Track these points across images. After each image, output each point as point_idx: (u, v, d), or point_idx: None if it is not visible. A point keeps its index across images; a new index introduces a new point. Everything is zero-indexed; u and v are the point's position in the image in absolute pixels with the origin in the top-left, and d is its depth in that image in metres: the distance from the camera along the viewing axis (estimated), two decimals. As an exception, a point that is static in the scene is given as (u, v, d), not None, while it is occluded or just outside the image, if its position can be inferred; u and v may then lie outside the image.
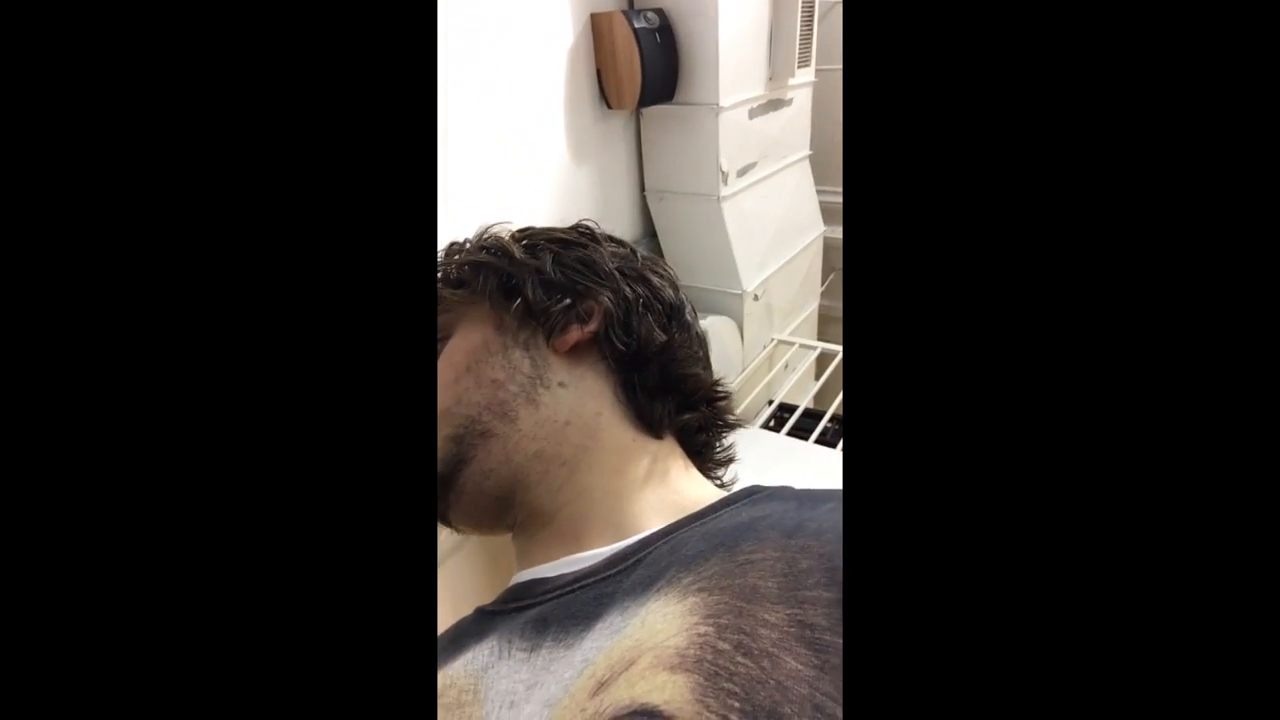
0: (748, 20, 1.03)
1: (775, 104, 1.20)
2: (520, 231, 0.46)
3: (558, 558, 0.36)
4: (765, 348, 1.35)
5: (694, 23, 0.96)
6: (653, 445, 0.40)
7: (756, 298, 1.26)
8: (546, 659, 0.28)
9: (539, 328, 0.41)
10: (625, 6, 0.98)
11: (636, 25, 0.91)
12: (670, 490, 0.39)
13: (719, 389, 0.45)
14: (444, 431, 0.39)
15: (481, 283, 0.42)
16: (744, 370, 1.30)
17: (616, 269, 0.43)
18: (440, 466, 0.39)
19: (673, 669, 0.22)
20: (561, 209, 1.01)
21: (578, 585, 0.32)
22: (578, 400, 0.39)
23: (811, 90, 1.34)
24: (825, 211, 1.52)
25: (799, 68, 1.15)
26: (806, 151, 1.40)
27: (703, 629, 0.23)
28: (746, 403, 1.26)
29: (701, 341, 0.46)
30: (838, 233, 1.62)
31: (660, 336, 0.41)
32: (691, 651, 0.22)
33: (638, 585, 0.29)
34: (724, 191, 1.09)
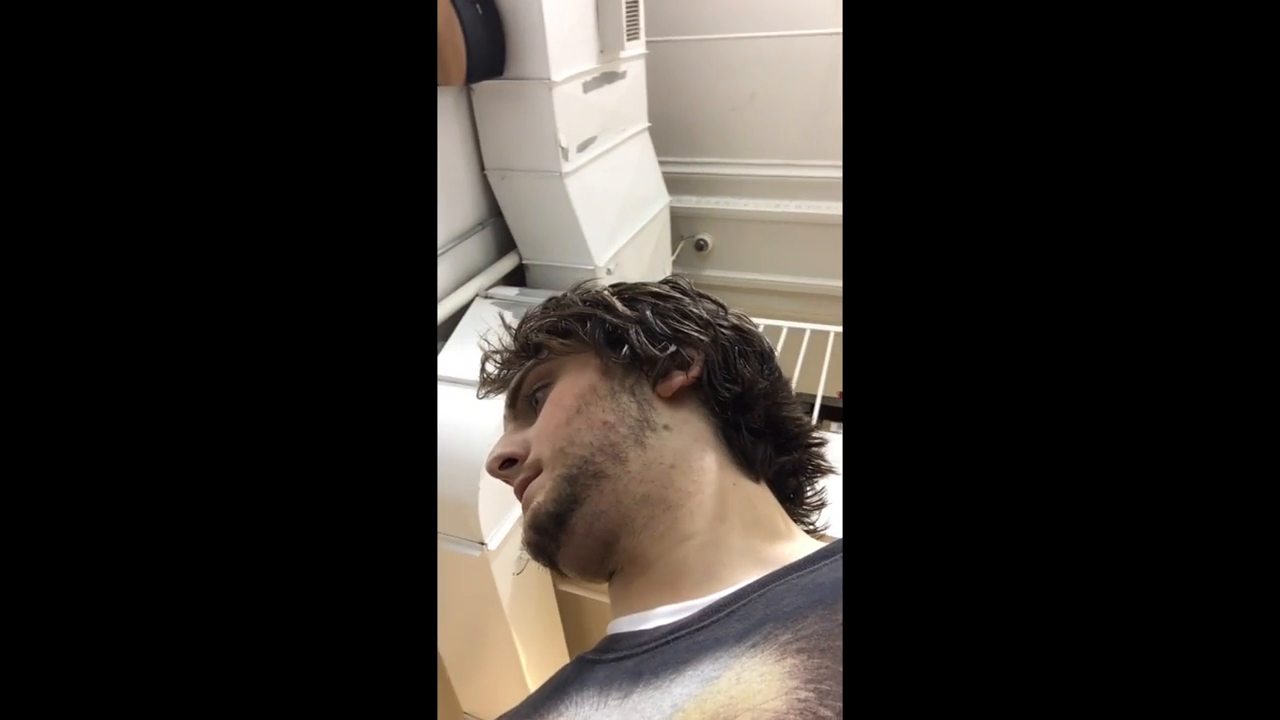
0: (572, -8, 1.02)
1: (609, 77, 1.20)
2: (614, 287, 0.47)
3: (654, 607, 0.37)
4: (623, 319, 1.38)
5: (516, -6, 0.94)
6: (751, 490, 0.42)
7: (609, 271, 1.27)
8: (637, 703, 0.29)
9: (644, 374, 0.42)
10: (442, -24, 0.93)
11: (455, -3, 0.87)
12: (768, 539, 0.40)
13: (816, 435, 0.48)
14: (557, 472, 0.40)
15: (588, 331, 0.43)
16: (604, 343, 1.32)
17: (711, 318, 0.45)
18: (553, 507, 0.39)
19: None
20: (395, 193, 0.95)
21: (673, 636, 0.33)
22: (682, 444, 0.41)
23: (644, 62, 1.35)
24: (669, 181, 1.56)
25: (629, 40, 1.16)
26: (645, 124, 1.42)
27: (803, 694, 0.23)
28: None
29: (789, 388, 0.49)
30: (683, 202, 1.67)
31: (762, 380, 0.44)
32: (791, 717, 0.23)
33: (732, 637, 0.30)
34: (566, 167, 1.09)
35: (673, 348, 0.43)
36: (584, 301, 0.46)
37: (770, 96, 1.57)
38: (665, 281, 0.49)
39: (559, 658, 1.29)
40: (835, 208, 1.60)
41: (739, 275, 1.76)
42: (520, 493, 0.43)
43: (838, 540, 0.36)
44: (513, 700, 0.43)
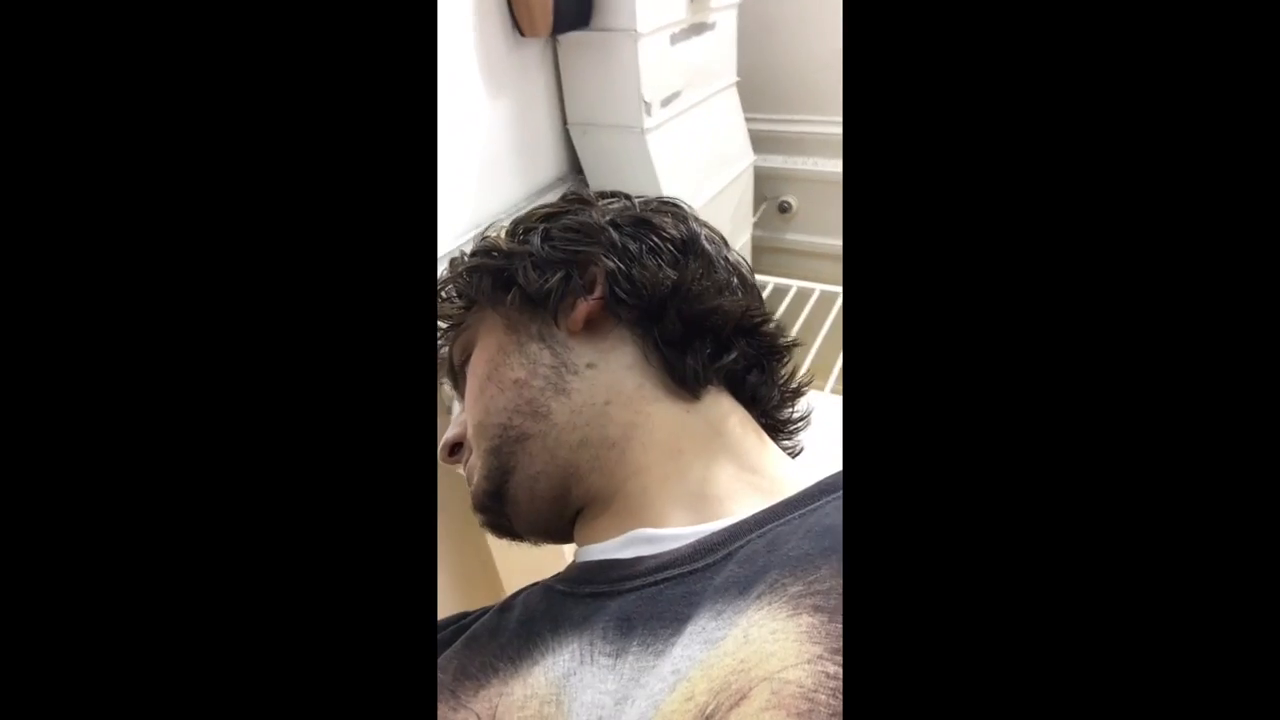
0: (663, -63, 0.98)
1: (698, 28, 1.16)
2: (512, 222, 0.42)
3: (628, 530, 0.33)
4: (699, 281, 1.36)
5: (606, -60, 0.91)
6: (708, 409, 0.36)
7: (688, 231, 1.25)
8: (634, 668, 0.26)
9: (545, 312, 0.37)
10: (532, -77, 0.91)
11: (544, -56, 0.86)
12: (748, 465, 0.35)
13: (754, 314, 0.39)
14: (482, 446, 0.37)
15: (478, 287, 0.39)
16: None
17: (609, 223, 0.38)
18: (486, 483, 0.37)
19: (800, 716, 0.20)
20: (480, 147, 0.96)
21: (661, 577, 0.29)
22: (613, 377, 0.36)
23: (736, 13, 1.30)
24: (755, 140, 1.51)
25: (720, -11, 1.11)
26: (734, 78, 1.37)
27: (830, 668, 0.21)
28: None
29: (733, 268, 0.40)
30: (768, 161, 1.62)
31: (668, 277, 0.36)
32: (821, 697, 0.20)
33: (732, 585, 0.26)
34: (648, 123, 1.07)
35: (562, 273, 0.37)
36: (471, 253, 0.41)
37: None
38: (563, 196, 0.42)
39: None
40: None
41: (822, 240, 1.69)
42: (467, 477, 0.40)
43: (837, 473, 0.31)
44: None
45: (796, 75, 1.58)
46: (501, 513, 0.37)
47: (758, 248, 1.68)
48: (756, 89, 1.52)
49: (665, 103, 1.11)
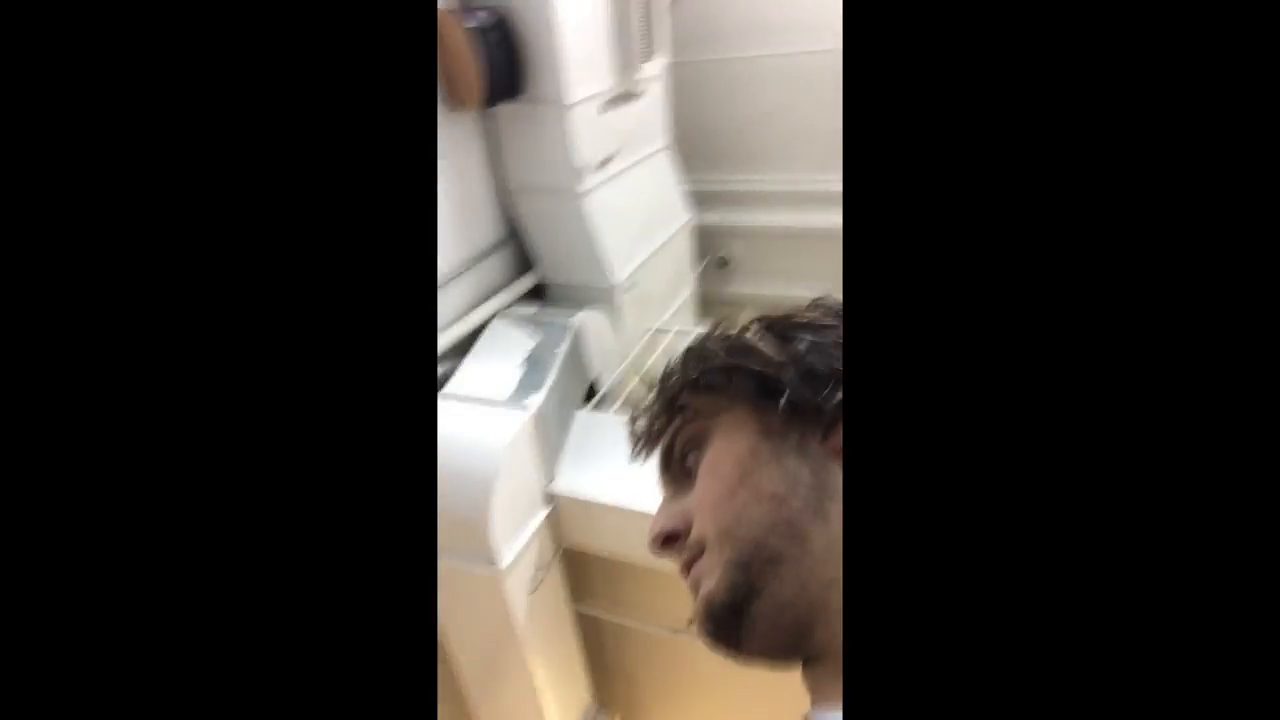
0: (588, 14, 1.03)
1: (626, 97, 1.21)
2: (761, 321, 0.40)
3: None
4: (644, 337, 1.37)
5: (532, 18, 0.95)
6: None
7: (628, 289, 1.27)
8: None
9: (810, 428, 0.35)
10: (455, 5, 0.95)
11: (469, 25, 0.89)
12: None
13: None
14: (726, 556, 0.34)
15: (735, 385, 0.37)
16: (625, 360, 1.31)
17: None
18: (727, 596, 0.34)
19: None
20: (414, 215, 0.97)
21: None
22: None
23: (664, 81, 1.36)
24: (693, 198, 1.56)
25: (645, 61, 1.17)
26: (666, 141, 1.42)
27: None
28: (628, 391, 1.28)
29: None
30: (707, 217, 1.67)
31: None
32: None
33: None
34: (582, 187, 1.10)
35: (836, 389, 0.35)
36: (726, 350, 0.39)
37: (791, 111, 1.57)
38: (815, 304, 0.41)
39: (576, 679, 1.28)
40: (861, 222, 1.58)
41: (761, 292, 1.74)
42: (685, 572, 0.37)
43: None
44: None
45: (729, 135, 1.65)
46: (735, 629, 0.34)
47: (702, 301, 1.72)
48: (692, 150, 1.59)
49: (599, 166, 1.14)
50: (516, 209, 1.18)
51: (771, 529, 0.34)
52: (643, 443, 0.43)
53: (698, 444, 0.39)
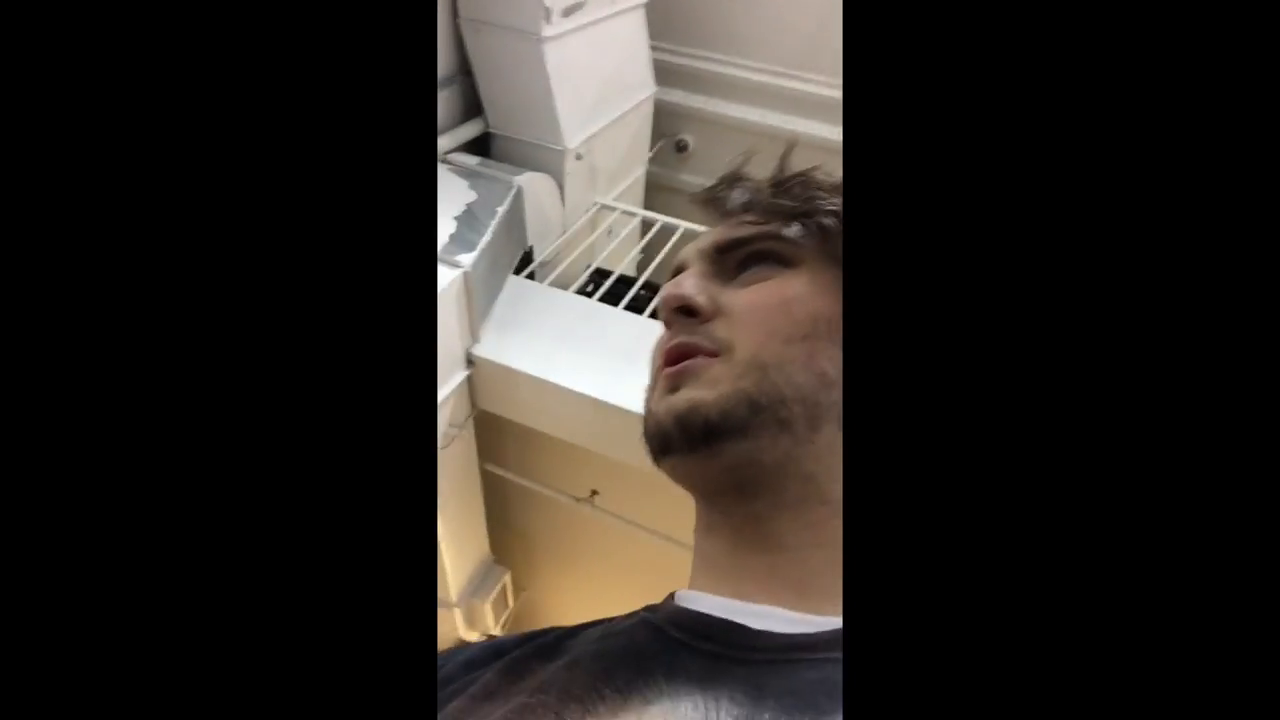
0: None
1: (609, -64, 1.09)
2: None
3: (763, 603, 0.30)
4: (588, 212, 1.32)
5: None
6: None
7: (579, 156, 1.21)
8: None
9: None
10: None
11: None
12: None
13: None
14: (744, 384, 0.32)
15: (833, 243, 0.34)
16: (565, 233, 1.27)
17: None
18: (714, 415, 0.32)
19: None
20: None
21: (794, 654, 0.27)
22: None
23: (651, -73, 1.23)
24: (659, 71, 1.46)
25: (636, -104, 1.04)
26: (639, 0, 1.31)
27: None
28: (565, 266, 1.25)
29: None
30: (670, 95, 1.58)
31: None
32: None
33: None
34: (547, 31, 1.00)
35: None
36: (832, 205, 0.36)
37: (780, -5, 1.47)
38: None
39: (476, 532, 1.33)
40: (828, 130, 1.54)
41: (715, 185, 1.71)
42: (676, 357, 0.35)
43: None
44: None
45: (711, 8, 1.54)
46: (690, 446, 0.33)
47: (651, 184, 1.66)
48: (666, 17, 1.47)
49: (567, 12, 1.04)
50: (470, 43, 1.07)
51: (801, 399, 0.32)
52: (717, 207, 0.38)
53: (776, 260, 0.36)
